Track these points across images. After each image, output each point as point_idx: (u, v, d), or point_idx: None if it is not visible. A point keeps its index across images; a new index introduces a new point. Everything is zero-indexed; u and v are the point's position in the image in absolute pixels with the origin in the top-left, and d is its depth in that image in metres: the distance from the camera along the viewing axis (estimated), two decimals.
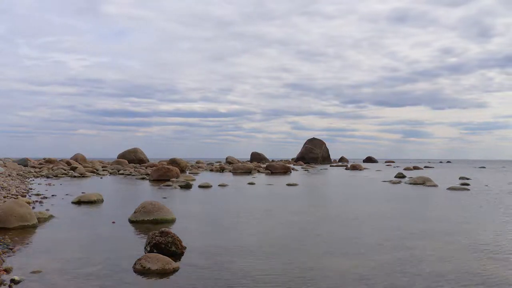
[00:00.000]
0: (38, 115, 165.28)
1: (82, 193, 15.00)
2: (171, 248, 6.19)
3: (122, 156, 49.15)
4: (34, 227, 8.50)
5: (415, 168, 50.68)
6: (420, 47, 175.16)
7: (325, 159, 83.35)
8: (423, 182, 22.25)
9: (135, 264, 5.54)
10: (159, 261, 5.50)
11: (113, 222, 9.26)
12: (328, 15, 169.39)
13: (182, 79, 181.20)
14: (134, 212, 9.72)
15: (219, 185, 20.61)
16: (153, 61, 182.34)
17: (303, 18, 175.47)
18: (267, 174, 35.42)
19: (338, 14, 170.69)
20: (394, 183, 23.75)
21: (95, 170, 33.21)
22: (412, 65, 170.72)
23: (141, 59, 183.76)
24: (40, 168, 34.38)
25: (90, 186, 20.42)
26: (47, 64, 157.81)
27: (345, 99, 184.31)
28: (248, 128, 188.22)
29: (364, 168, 49.07)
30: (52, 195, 14.81)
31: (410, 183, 22.74)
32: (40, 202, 12.76)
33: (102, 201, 13.28)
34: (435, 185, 20.88)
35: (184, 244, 6.48)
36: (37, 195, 14.77)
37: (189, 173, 33.63)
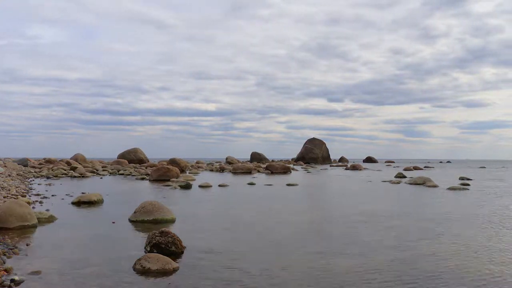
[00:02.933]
0: (20, 115, 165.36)
1: (82, 193, 15.00)
2: (171, 248, 6.19)
3: (122, 156, 49.17)
4: (34, 227, 8.50)
5: (415, 168, 50.66)
6: (369, 48, 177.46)
7: (325, 159, 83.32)
8: (423, 182, 22.24)
9: (135, 264, 5.54)
10: (159, 261, 5.50)
11: (113, 222, 9.26)
12: (264, 18, 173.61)
13: (145, 80, 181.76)
14: (134, 212, 9.73)
15: (219, 185, 20.61)
16: (109, 63, 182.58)
17: (242, 22, 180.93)
18: (267, 174, 35.43)
19: (273, 18, 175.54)
20: (394, 183, 23.75)
21: (95, 170, 33.22)
22: (369, 65, 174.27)
23: (97, 61, 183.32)
24: (40, 168, 34.39)
25: (90, 186, 20.42)
26: (5, 66, 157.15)
27: (321, 98, 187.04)
28: (242, 128, 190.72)
29: (364, 168, 49.06)
30: (52, 195, 14.81)
31: (410, 183, 22.74)
32: (40, 202, 12.76)
33: (102, 201, 13.28)
34: (435, 185, 20.87)
35: (184, 244, 6.48)
36: (37, 195, 14.78)
37: (189, 173, 33.63)
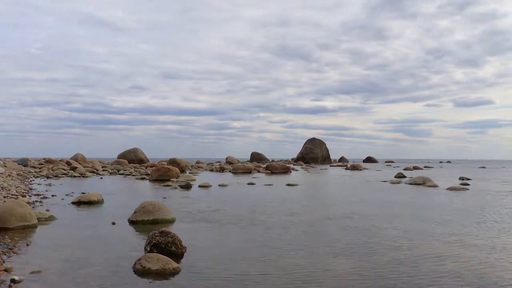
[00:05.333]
0: (4, 114, 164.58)
1: (82, 193, 15.00)
2: (171, 248, 6.20)
3: (122, 156, 49.22)
4: (34, 227, 8.51)
5: (415, 168, 50.69)
6: (326, 48, 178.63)
7: (325, 159, 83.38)
8: (423, 182, 22.24)
9: (135, 264, 5.54)
10: (159, 261, 5.50)
11: (113, 223, 9.26)
12: (215, 21, 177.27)
13: (118, 80, 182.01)
14: (134, 212, 9.73)
15: (219, 185, 20.61)
16: (77, 64, 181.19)
17: (196, 25, 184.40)
18: (267, 174, 35.43)
19: (225, 21, 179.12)
20: (394, 183, 23.75)
21: (95, 170, 33.22)
22: (332, 66, 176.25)
23: (65, 62, 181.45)
24: (40, 168, 34.39)
25: (90, 186, 20.42)
26: None
27: (303, 97, 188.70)
28: (235, 128, 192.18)
29: (364, 168, 49.07)
30: (52, 195, 14.81)
31: (410, 183, 22.74)
32: (40, 202, 12.76)
33: (102, 201, 13.28)
34: (435, 186, 20.88)
35: (184, 244, 6.48)
36: (37, 195, 14.78)
37: (189, 173, 33.64)
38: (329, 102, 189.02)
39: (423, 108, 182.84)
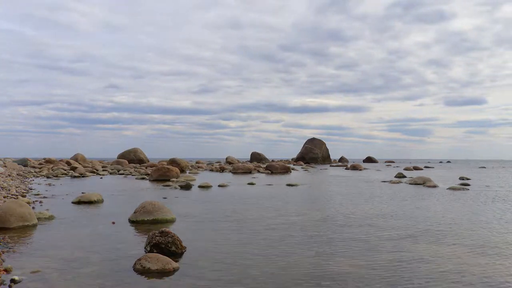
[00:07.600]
0: None
1: (82, 193, 14.99)
2: (171, 248, 6.20)
3: (122, 156, 49.26)
4: (34, 227, 8.51)
5: (415, 168, 50.70)
6: (288, 49, 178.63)
7: (325, 159, 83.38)
8: (423, 182, 22.25)
9: (135, 264, 5.54)
10: (159, 261, 5.50)
11: (113, 222, 9.26)
12: (172, 24, 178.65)
13: (92, 81, 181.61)
14: (134, 212, 9.73)
15: (219, 185, 20.61)
16: (45, 65, 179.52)
17: (152, 28, 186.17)
18: (267, 174, 35.43)
19: (180, 24, 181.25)
20: (394, 183, 23.75)
21: (95, 170, 33.23)
22: (299, 66, 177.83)
23: (33, 63, 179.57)
24: (40, 168, 34.40)
25: (90, 186, 20.42)
26: None
27: (291, 97, 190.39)
28: (226, 126, 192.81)
29: (364, 168, 49.07)
30: (52, 195, 14.81)
31: (410, 183, 22.74)
32: (40, 202, 12.76)
33: (102, 201, 13.28)
34: (435, 185, 20.88)
35: (184, 244, 6.48)
36: (37, 195, 14.78)
37: (189, 173, 33.64)
38: (313, 101, 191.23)
39: (414, 107, 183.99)
